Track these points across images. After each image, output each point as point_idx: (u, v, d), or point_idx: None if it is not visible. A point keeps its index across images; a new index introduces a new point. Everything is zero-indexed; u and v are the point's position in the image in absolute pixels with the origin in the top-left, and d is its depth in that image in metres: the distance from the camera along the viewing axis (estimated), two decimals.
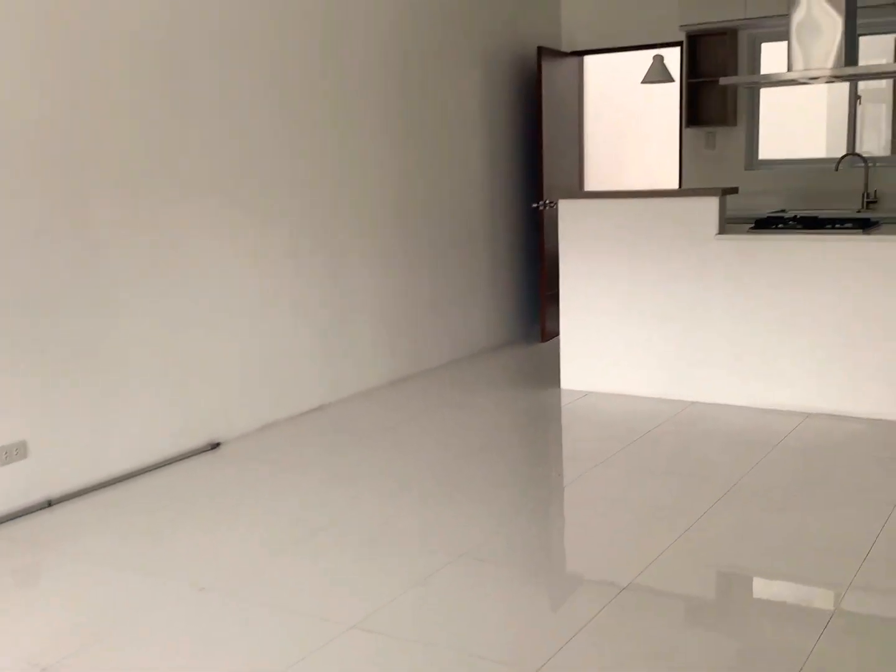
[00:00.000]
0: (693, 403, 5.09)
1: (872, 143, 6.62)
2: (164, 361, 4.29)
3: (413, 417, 5.00)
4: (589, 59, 7.61)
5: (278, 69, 4.83)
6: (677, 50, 6.91)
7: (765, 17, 6.25)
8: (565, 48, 7.37)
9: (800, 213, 5.94)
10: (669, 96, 7.99)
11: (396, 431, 4.75)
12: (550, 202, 6.77)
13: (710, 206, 4.97)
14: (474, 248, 6.53)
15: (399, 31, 5.67)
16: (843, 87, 6.55)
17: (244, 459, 4.37)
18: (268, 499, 3.84)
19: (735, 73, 6.69)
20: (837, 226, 4.84)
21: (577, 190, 7.54)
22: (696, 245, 5.02)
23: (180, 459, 4.36)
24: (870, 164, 6.31)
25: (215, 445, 4.55)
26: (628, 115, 8.72)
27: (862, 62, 5.68)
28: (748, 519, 3.49)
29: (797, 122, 7.20)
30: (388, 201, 5.67)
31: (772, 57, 6.73)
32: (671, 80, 6.29)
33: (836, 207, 6.39)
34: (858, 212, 6.17)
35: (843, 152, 6.55)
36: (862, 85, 6.52)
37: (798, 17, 5.13)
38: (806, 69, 5.14)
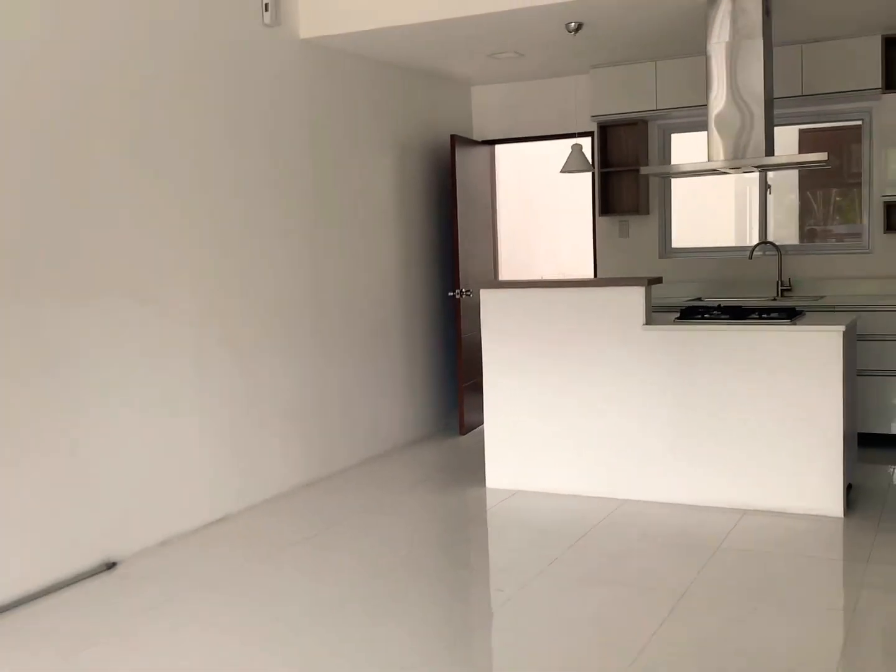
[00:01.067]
0: (625, 501, 4.85)
1: (783, 232, 6.68)
2: (48, 472, 3.83)
3: (327, 527, 4.61)
4: (500, 148, 7.55)
5: (182, 154, 4.53)
6: (588, 140, 6.90)
7: (675, 108, 6.31)
8: (477, 137, 7.30)
9: (719, 302, 5.89)
10: (582, 185, 7.99)
11: (309, 544, 4.35)
12: (467, 290, 6.58)
13: (636, 295, 4.83)
14: (389, 338, 6.25)
15: (311, 117, 5.45)
16: (751, 176, 6.62)
17: (143, 581, 3.91)
18: (169, 631, 3.39)
19: (646, 162, 6.70)
20: (764, 315, 4.76)
21: (496, 279, 7.38)
22: (622, 335, 4.86)
23: (71, 583, 3.87)
24: (782, 252, 6.35)
25: (111, 565, 4.07)
26: (540, 203, 8.70)
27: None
28: (704, 634, 3.22)
29: (707, 210, 7.25)
30: (298, 291, 5.36)
31: (681, 147, 6.80)
32: (590, 168, 6.23)
33: (752, 295, 6.38)
34: (774, 299, 6.16)
35: (752, 240, 6.58)
36: (771, 174, 6.60)
37: (717, 108, 5.12)
38: (724, 159, 5.12)
